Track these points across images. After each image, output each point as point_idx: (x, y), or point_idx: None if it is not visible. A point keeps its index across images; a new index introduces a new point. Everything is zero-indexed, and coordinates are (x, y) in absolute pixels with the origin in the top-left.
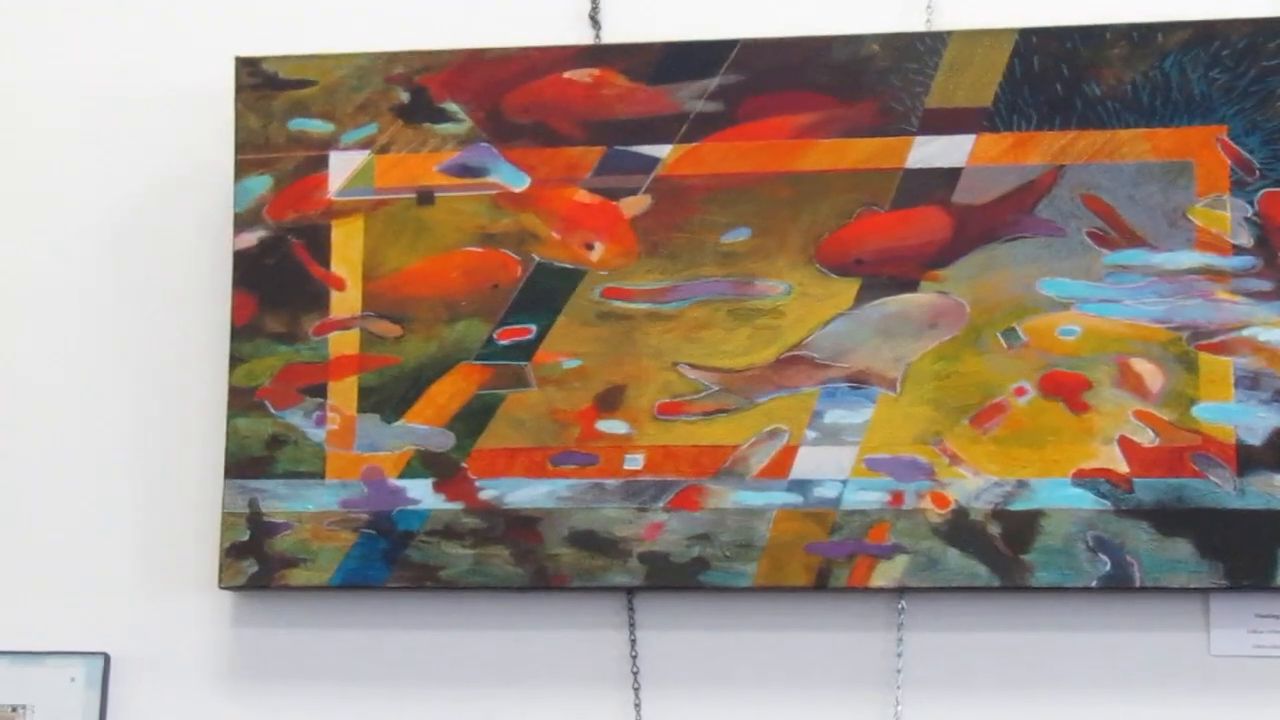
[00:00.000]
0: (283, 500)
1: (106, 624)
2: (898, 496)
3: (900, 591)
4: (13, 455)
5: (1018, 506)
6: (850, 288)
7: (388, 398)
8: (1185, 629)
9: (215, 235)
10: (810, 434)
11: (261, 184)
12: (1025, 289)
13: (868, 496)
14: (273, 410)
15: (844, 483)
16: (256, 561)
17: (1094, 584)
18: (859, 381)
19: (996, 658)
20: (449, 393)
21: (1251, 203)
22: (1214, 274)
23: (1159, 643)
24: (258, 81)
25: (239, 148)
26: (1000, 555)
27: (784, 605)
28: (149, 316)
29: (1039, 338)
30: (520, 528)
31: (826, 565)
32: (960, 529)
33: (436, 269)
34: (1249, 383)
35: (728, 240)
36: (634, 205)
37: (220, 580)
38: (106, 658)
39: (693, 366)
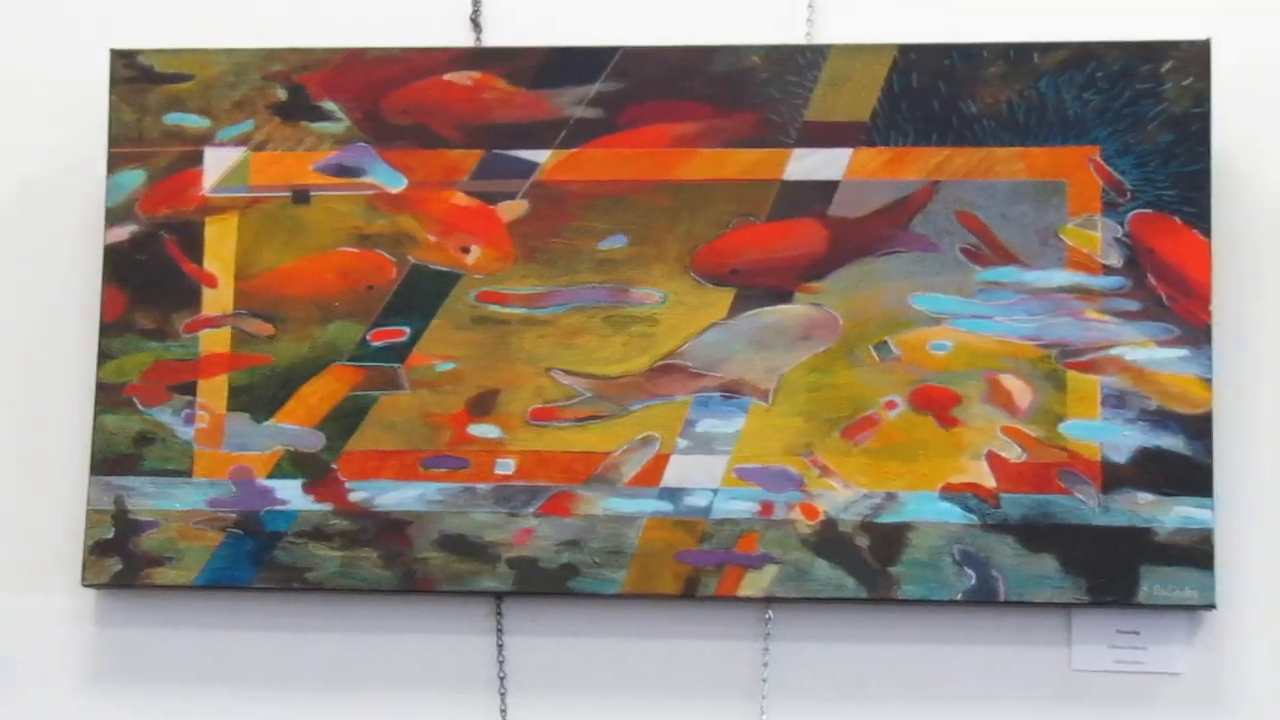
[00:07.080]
0: (149, 498)
1: None
2: (768, 507)
3: (768, 601)
4: None
5: (886, 519)
6: (725, 298)
7: (259, 397)
8: (1048, 644)
9: (87, 229)
10: (682, 443)
11: (135, 179)
12: (898, 303)
13: (738, 506)
14: (141, 407)
15: (715, 492)
16: (121, 560)
17: (959, 597)
18: (732, 391)
19: (862, 669)
20: (321, 393)
21: (1122, 224)
22: (1084, 293)
23: (1022, 657)
24: (133, 74)
25: (113, 141)
26: (868, 567)
27: (652, 613)
28: (18, 308)
29: (911, 352)
30: (390, 531)
31: (695, 574)
32: (829, 540)
33: (311, 268)
34: (1115, 401)
35: (604, 247)
36: (511, 210)
37: (84, 578)
38: None
39: (566, 373)
